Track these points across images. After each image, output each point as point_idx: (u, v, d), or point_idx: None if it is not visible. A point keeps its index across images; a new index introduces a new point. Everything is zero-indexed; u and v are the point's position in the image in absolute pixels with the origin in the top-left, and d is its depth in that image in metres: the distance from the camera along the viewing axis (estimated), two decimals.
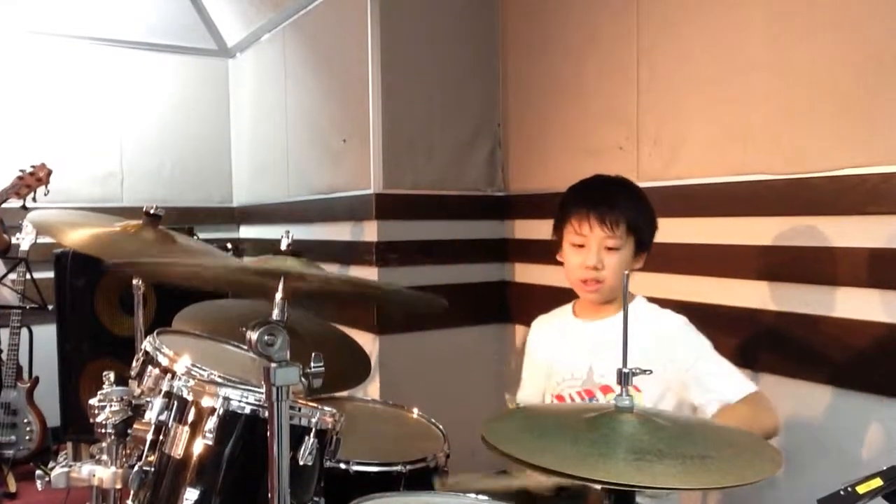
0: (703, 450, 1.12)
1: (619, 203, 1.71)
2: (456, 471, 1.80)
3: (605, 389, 1.71)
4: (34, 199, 3.13)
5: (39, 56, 4.01)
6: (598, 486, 1.13)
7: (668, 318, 1.75)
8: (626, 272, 1.39)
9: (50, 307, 3.22)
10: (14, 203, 3.12)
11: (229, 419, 1.33)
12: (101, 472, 1.48)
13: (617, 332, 1.24)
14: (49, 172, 3.15)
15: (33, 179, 3.13)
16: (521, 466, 1.09)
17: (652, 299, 1.82)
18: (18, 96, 3.95)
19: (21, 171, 3.13)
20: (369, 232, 3.05)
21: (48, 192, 3.16)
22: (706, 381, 1.65)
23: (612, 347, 1.27)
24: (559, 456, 1.08)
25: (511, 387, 2.04)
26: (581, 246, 1.73)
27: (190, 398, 1.37)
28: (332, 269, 2.99)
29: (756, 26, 2.16)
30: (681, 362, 1.67)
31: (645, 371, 1.25)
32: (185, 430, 1.35)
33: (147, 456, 1.37)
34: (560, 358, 1.83)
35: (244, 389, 1.35)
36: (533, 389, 1.94)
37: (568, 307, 1.89)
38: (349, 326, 2.58)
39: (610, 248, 1.70)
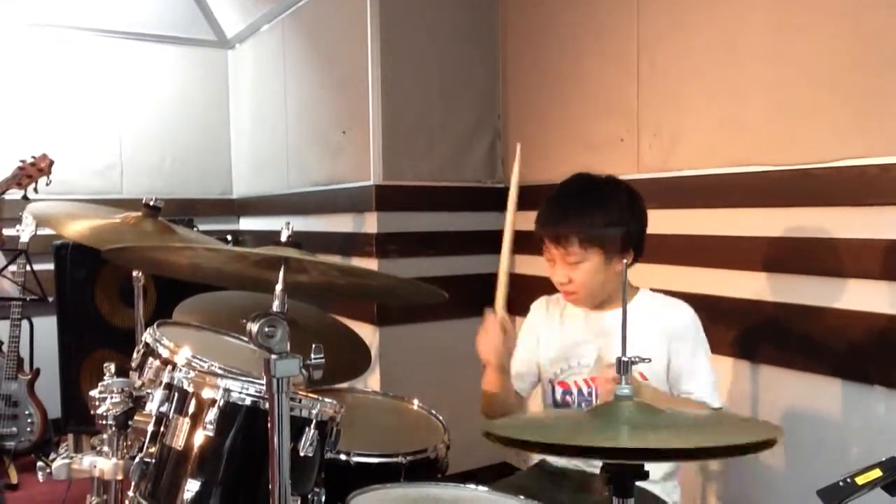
0: (700, 422, 1.13)
1: (570, 219, 1.69)
2: (456, 461, 1.81)
3: None
4: (35, 190, 3.12)
5: (39, 48, 3.99)
6: (599, 471, 1.14)
7: (676, 308, 1.76)
8: (625, 262, 1.40)
9: (50, 299, 3.21)
10: (15, 193, 3.11)
11: (230, 411, 1.34)
12: (102, 464, 1.48)
13: (627, 323, 1.25)
14: (51, 163, 3.14)
15: (35, 169, 3.12)
16: (522, 452, 1.09)
17: (654, 291, 1.82)
18: (18, 88, 3.94)
19: (22, 160, 3.12)
20: (369, 223, 3.05)
21: (50, 181, 3.15)
22: (687, 384, 1.70)
23: (619, 336, 1.28)
24: (557, 432, 1.09)
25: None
26: (550, 261, 1.76)
27: (190, 390, 1.37)
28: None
29: (756, 18, 2.16)
30: (677, 354, 1.71)
31: (645, 360, 1.25)
32: (185, 422, 1.35)
33: (148, 447, 1.38)
34: (565, 345, 1.83)
35: (245, 381, 1.36)
36: (522, 367, 1.92)
37: None
38: (349, 318, 2.58)
39: (571, 263, 1.70)
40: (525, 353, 1.92)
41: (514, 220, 1.81)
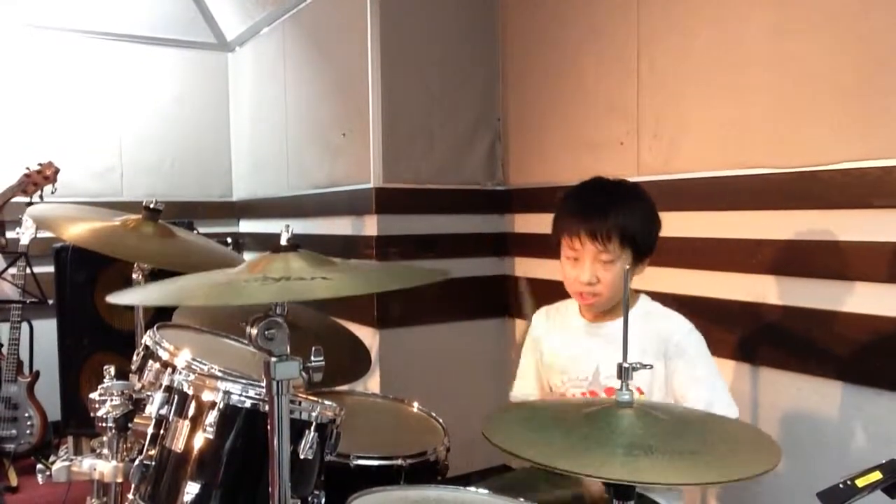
0: (695, 445, 1.12)
1: (612, 214, 1.63)
2: (456, 464, 1.81)
3: (610, 392, 1.70)
4: (41, 198, 3.13)
5: (38, 50, 4.00)
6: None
7: (675, 322, 1.73)
8: (627, 267, 1.39)
9: (50, 301, 3.22)
10: (20, 200, 3.12)
11: (230, 413, 1.34)
12: (101, 466, 1.48)
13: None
14: (56, 171, 3.15)
15: (40, 177, 3.13)
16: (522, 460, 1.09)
17: (654, 294, 1.82)
18: (17, 91, 3.94)
19: (27, 168, 3.13)
20: (369, 226, 3.05)
21: (55, 189, 3.16)
22: (691, 402, 1.64)
23: (618, 349, 1.27)
24: (547, 449, 1.09)
25: (511, 381, 2.04)
26: (576, 259, 1.69)
27: (190, 392, 1.37)
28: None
29: (756, 19, 2.16)
30: (675, 370, 1.68)
31: (645, 366, 1.25)
32: (185, 424, 1.35)
33: (148, 450, 1.38)
34: (565, 356, 1.81)
35: (244, 383, 1.36)
36: (531, 383, 1.93)
37: (574, 305, 1.85)
38: (349, 320, 2.58)
39: (604, 262, 1.65)
40: (531, 367, 1.92)
41: None
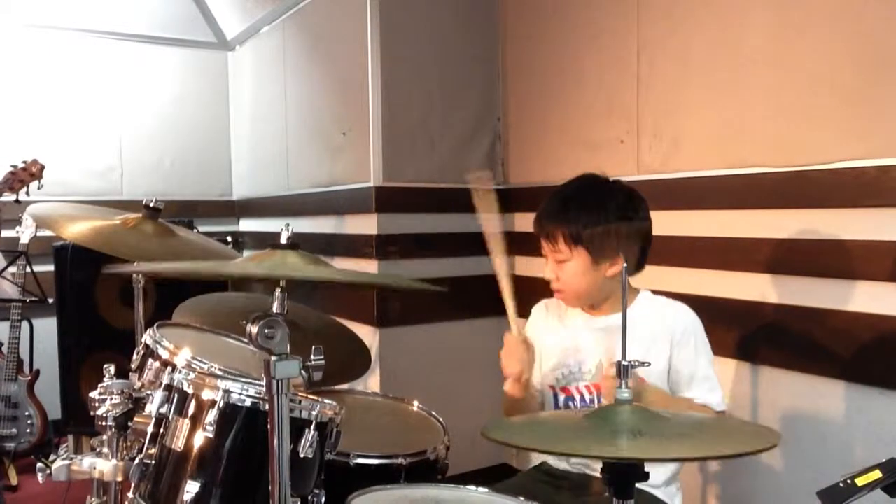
0: (686, 430, 1.12)
1: (557, 217, 1.71)
2: (456, 462, 1.80)
3: None
4: (27, 194, 3.13)
5: (37, 49, 3.99)
6: (600, 474, 1.14)
7: (677, 311, 1.76)
8: (624, 265, 1.39)
9: (50, 300, 3.22)
10: (7, 197, 3.12)
11: (230, 412, 1.33)
12: (101, 465, 1.48)
13: (627, 326, 1.24)
14: (42, 168, 3.15)
15: (26, 174, 3.13)
16: (522, 454, 1.10)
17: (655, 293, 1.82)
18: (17, 90, 3.94)
19: (13, 165, 3.13)
20: (369, 225, 3.05)
21: (41, 185, 3.16)
22: (688, 389, 1.70)
23: (620, 339, 1.28)
24: (536, 435, 1.10)
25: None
26: (545, 257, 1.78)
27: (190, 391, 1.37)
28: (333, 263, 2.99)
29: (756, 20, 2.16)
30: (678, 358, 1.71)
31: (644, 363, 1.25)
32: (185, 423, 1.35)
33: (148, 449, 1.38)
34: (565, 350, 1.81)
35: (244, 382, 1.35)
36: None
37: None
38: (349, 319, 2.58)
39: (558, 261, 1.72)
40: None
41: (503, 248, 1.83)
